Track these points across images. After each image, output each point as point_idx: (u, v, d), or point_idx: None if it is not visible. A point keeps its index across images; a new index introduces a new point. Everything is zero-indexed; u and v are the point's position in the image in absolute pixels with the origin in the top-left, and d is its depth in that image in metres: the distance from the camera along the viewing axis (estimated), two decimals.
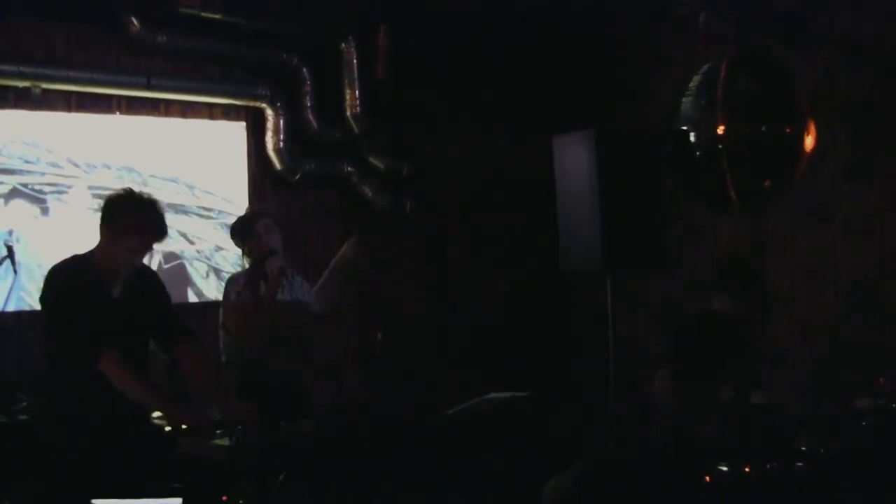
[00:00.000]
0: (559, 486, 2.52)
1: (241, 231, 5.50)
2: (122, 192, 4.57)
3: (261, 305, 5.27)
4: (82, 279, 4.40)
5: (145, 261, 4.75)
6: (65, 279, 4.42)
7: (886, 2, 6.59)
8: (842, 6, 6.79)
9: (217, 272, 7.09)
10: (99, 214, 4.50)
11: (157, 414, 4.61)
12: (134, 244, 4.43)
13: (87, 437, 4.29)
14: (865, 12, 6.74)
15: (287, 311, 5.42)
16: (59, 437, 4.43)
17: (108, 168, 6.74)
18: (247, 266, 5.45)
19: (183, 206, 7.00)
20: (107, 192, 6.49)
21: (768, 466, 4.64)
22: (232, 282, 5.47)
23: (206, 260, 7.06)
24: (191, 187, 7.07)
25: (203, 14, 6.85)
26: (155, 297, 4.73)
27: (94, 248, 4.51)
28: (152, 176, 6.90)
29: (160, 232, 4.54)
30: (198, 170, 7.10)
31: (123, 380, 4.31)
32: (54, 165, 6.55)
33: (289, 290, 5.47)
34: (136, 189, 4.60)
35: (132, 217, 4.44)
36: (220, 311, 5.44)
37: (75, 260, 4.51)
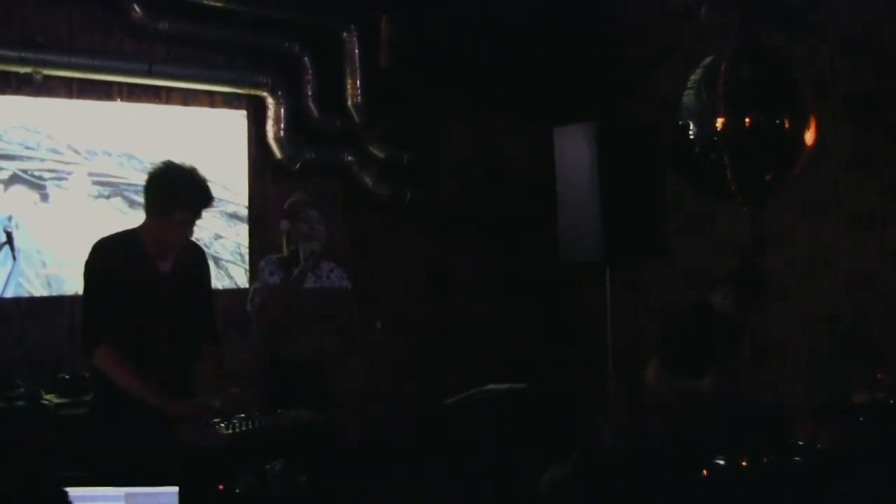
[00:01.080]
0: (555, 478, 2.52)
1: (290, 212, 5.43)
2: (159, 166, 4.53)
3: (288, 287, 5.26)
4: (127, 253, 4.38)
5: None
6: (108, 251, 4.38)
7: None
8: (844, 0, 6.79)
9: (216, 260, 7.08)
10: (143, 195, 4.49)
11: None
12: (179, 217, 4.41)
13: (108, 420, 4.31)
14: (867, 6, 6.73)
15: (316, 295, 5.40)
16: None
17: (109, 155, 6.73)
18: (286, 251, 5.41)
19: None
20: (107, 179, 6.64)
21: (765, 460, 4.65)
22: (268, 262, 5.47)
23: (205, 248, 7.03)
24: None
25: (205, 1, 6.84)
26: (203, 276, 4.74)
27: (141, 225, 4.49)
28: (153, 163, 6.85)
29: (204, 199, 4.51)
30: (198, 158, 7.02)
31: (119, 375, 4.30)
32: (55, 152, 6.54)
33: (323, 277, 5.45)
34: (170, 161, 4.55)
35: (172, 191, 4.42)
36: (250, 289, 5.40)
37: (123, 234, 4.49)
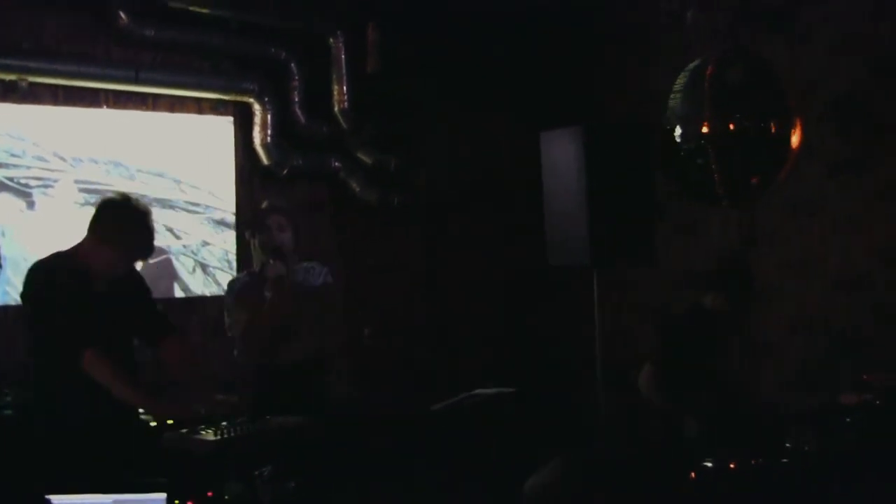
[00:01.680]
0: (538, 481, 2.51)
1: (252, 223, 5.38)
2: (118, 197, 4.56)
3: (261, 318, 5.17)
4: (66, 275, 4.40)
5: None
6: (49, 274, 4.41)
7: None
8: (831, 2, 6.80)
9: (204, 267, 7.08)
10: (91, 213, 4.50)
11: (141, 409, 4.61)
12: (117, 255, 4.44)
13: (70, 432, 4.29)
14: (853, 9, 6.75)
15: (297, 303, 5.31)
16: (42, 433, 4.43)
17: (95, 162, 6.72)
18: (254, 260, 5.36)
19: (170, 200, 6.98)
20: (93, 187, 6.62)
21: (754, 463, 4.65)
22: (231, 287, 5.36)
23: (192, 255, 7.04)
24: (178, 182, 7.05)
25: (192, 8, 6.84)
26: (136, 289, 4.73)
27: (79, 245, 4.50)
28: (139, 170, 6.89)
29: (146, 250, 4.56)
30: (185, 164, 7.09)
31: (106, 378, 4.30)
32: (41, 159, 6.53)
33: (301, 277, 5.37)
34: (132, 197, 4.58)
35: (121, 229, 4.43)
36: (226, 316, 5.33)
37: (58, 256, 4.51)
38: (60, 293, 4.35)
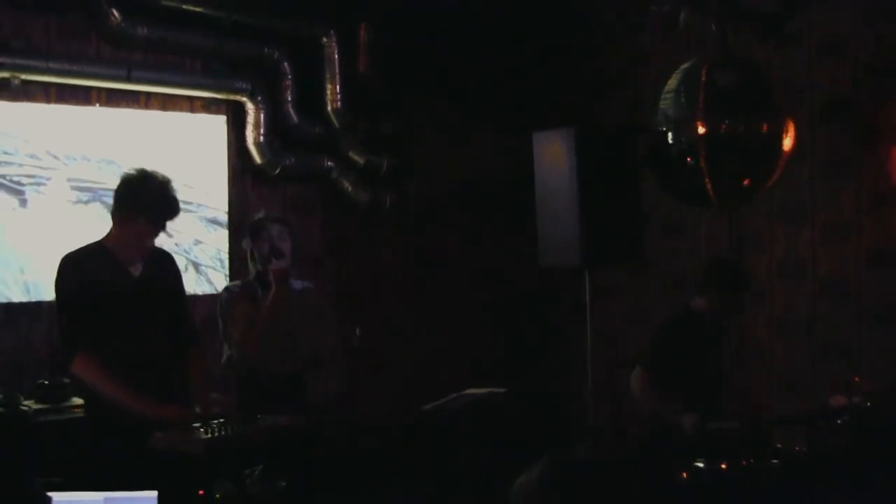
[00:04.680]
0: (525, 482, 2.52)
1: (252, 230, 5.37)
2: (131, 173, 4.56)
3: (264, 314, 5.19)
4: (95, 266, 4.39)
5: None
6: (71, 268, 4.41)
7: (865, 1, 6.63)
8: (821, 6, 6.82)
9: (196, 266, 7.08)
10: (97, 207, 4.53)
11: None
12: (143, 225, 4.43)
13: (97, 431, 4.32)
14: (844, 13, 6.78)
15: (293, 313, 5.33)
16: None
17: (88, 160, 6.71)
18: (251, 268, 5.37)
19: None
20: (86, 185, 6.62)
21: (744, 464, 4.67)
22: (229, 292, 5.37)
23: (185, 253, 7.04)
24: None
25: (184, 7, 6.83)
26: (177, 280, 4.75)
27: (107, 235, 4.51)
28: (130, 168, 6.86)
29: (169, 210, 4.53)
30: (177, 163, 7.05)
31: (97, 382, 4.31)
32: (33, 157, 6.52)
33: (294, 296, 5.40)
34: (148, 170, 4.58)
35: (139, 199, 4.43)
36: (220, 321, 5.31)
37: (85, 248, 4.50)
38: (82, 288, 4.35)
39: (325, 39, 7.47)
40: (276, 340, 5.20)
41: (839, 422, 4.93)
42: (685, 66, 5.77)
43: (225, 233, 7.28)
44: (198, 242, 7.15)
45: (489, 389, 5.98)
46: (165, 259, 4.79)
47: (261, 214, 5.50)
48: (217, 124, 7.34)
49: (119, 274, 4.45)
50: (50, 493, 2.92)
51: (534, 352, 8.40)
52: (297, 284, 5.43)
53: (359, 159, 7.75)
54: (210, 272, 7.20)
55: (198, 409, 4.48)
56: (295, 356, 5.34)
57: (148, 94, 6.98)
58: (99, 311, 4.34)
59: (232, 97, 7.27)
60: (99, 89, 6.76)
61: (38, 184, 6.51)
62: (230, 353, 5.23)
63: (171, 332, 4.63)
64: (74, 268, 4.41)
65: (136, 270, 4.51)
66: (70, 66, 6.54)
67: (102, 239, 4.55)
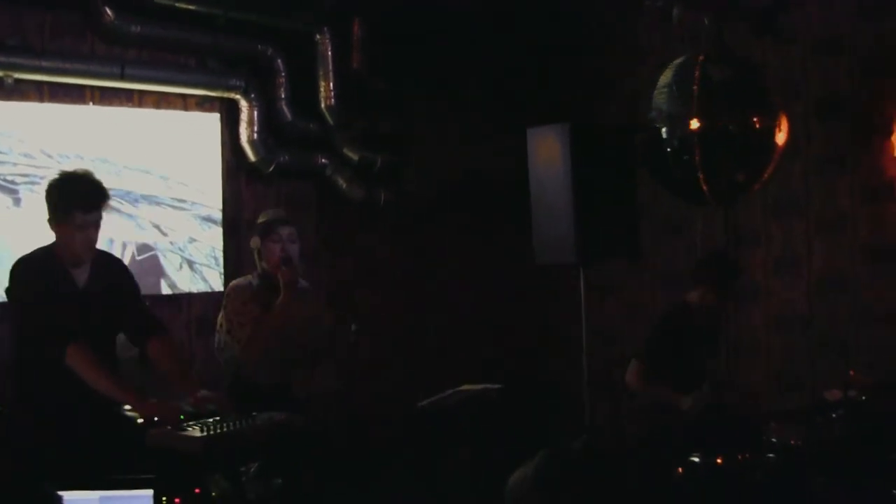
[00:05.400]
0: (520, 477, 2.52)
1: (262, 230, 5.32)
2: (52, 177, 4.62)
3: (273, 317, 5.17)
4: (46, 270, 4.41)
5: (118, 252, 4.74)
6: (29, 270, 4.43)
7: None
8: (817, 3, 6.83)
9: (190, 263, 7.07)
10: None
11: (127, 406, 4.61)
12: (79, 220, 4.43)
13: (56, 429, 4.29)
14: (838, 8, 6.78)
15: (301, 324, 5.33)
16: (27, 429, 4.43)
17: (81, 159, 6.68)
18: (258, 267, 5.34)
19: (156, 197, 6.96)
20: None
21: (740, 458, 4.67)
22: (239, 290, 5.31)
23: (179, 251, 7.03)
24: (164, 178, 7.03)
25: (178, 4, 6.81)
26: (122, 287, 4.73)
27: (54, 242, 4.52)
28: (126, 167, 6.86)
29: (97, 195, 4.53)
30: (171, 161, 7.06)
31: (90, 374, 4.31)
32: (27, 156, 6.50)
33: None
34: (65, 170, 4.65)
35: (68, 195, 4.44)
36: (223, 316, 5.28)
37: (39, 252, 4.52)
38: (41, 287, 4.37)
39: (318, 36, 7.46)
40: (275, 349, 5.20)
41: (834, 416, 4.95)
42: (678, 60, 5.77)
43: (219, 230, 7.26)
44: (192, 240, 7.13)
45: (484, 386, 5.99)
46: (115, 268, 4.79)
47: (270, 214, 5.46)
48: (211, 122, 7.32)
49: (65, 283, 4.47)
50: (61, 493, 2.92)
51: (530, 347, 8.40)
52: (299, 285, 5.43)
53: (353, 156, 7.74)
54: (204, 270, 7.19)
55: (188, 408, 4.46)
56: (287, 365, 5.35)
57: (141, 91, 6.96)
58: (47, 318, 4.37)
59: (226, 95, 7.25)
60: (92, 87, 6.74)
61: (33, 183, 6.49)
62: (226, 343, 5.22)
63: (125, 331, 4.72)
64: (28, 272, 4.45)
65: (83, 276, 4.52)
66: (63, 65, 6.52)
67: (49, 245, 4.55)
